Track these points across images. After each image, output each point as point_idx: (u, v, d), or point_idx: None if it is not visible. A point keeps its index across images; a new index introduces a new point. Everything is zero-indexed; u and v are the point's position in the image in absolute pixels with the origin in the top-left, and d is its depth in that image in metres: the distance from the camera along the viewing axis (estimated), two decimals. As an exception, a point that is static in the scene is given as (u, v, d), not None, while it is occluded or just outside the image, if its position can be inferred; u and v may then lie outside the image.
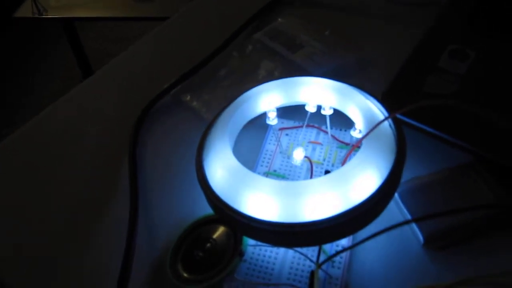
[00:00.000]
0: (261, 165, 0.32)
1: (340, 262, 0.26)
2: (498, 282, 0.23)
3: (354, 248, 0.27)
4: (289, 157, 0.32)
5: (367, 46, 0.41)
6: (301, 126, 0.34)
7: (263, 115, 0.31)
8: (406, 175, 0.26)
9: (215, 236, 0.28)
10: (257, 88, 0.31)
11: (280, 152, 0.33)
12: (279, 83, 0.31)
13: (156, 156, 0.36)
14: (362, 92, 0.29)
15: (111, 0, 1.05)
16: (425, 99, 0.23)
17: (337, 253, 0.25)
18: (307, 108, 0.31)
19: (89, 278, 0.29)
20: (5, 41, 1.65)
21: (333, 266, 0.26)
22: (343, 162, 0.29)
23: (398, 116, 0.27)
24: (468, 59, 0.35)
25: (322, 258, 0.25)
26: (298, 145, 0.33)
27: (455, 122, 0.30)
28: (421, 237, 0.27)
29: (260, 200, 0.23)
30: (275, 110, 0.31)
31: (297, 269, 0.26)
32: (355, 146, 0.28)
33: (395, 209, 0.29)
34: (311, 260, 0.26)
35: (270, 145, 0.33)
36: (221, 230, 0.28)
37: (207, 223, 0.29)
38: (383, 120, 0.25)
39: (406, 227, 0.28)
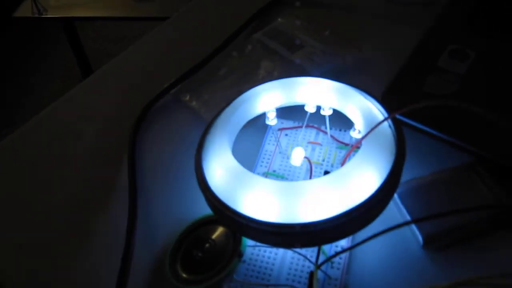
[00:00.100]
0: (261, 166, 0.32)
1: (339, 263, 0.26)
2: (498, 283, 0.23)
3: (354, 249, 0.27)
4: (289, 157, 0.32)
5: (367, 46, 0.41)
6: (301, 127, 0.34)
7: (263, 115, 0.31)
8: (406, 175, 0.26)
9: (214, 236, 0.28)
10: (257, 88, 0.30)
11: (280, 153, 0.33)
12: (278, 83, 0.31)
13: (155, 156, 0.36)
14: (362, 92, 0.29)
15: (111, 0, 1.05)
16: (425, 99, 0.23)
17: (337, 254, 0.25)
18: (306, 108, 0.31)
19: (88, 279, 0.29)
20: (5, 41, 1.65)
21: (332, 267, 0.26)
22: (342, 163, 0.29)
23: (398, 116, 0.26)
24: (468, 59, 0.35)
25: (321, 259, 0.25)
26: (297, 145, 0.33)
27: (455, 122, 0.30)
28: (420, 238, 0.27)
29: (259, 200, 0.23)
30: (275, 110, 0.31)
31: (296, 270, 0.26)
32: (355, 146, 0.28)
33: (395, 210, 0.29)
34: (310, 261, 0.26)
35: (269, 146, 0.33)
36: (220, 230, 0.28)
37: (206, 224, 0.29)
38: (382, 121, 0.25)
39: (405, 228, 0.28)
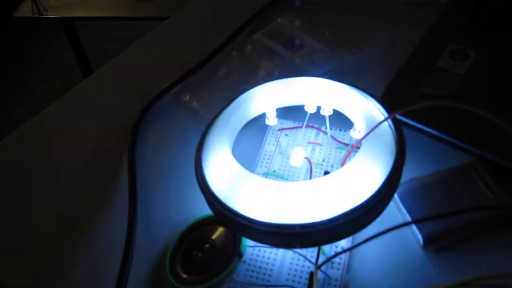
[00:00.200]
0: (260, 166, 0.32)
1: (339, 263, 0.26)
2: (498, 284, 0.23)
3: (354, 249, 0.27)
4: (288, 157, 0.32)
5: (367, 46, 0.41)
6: (301, 127, 0.34)
7: (263, 116, 0.31)
8: (406, 175, 0.26)
9: (214, 237, 0.28)
10: (257, 89, 0.30)
11: (280, 153, 0.33)
12: (278, 84, 0.31)
13: (155, 156, 0.36)
14: (362, 92, 0.29)
15: (111, 0, 1.05)
16: (425, 99, 0.23)
17: (337, 254, 0.25)
18: (306, 108, 0.31)
19: (88, 279, 0.29)
20: (4, 41, 1.65)
21: (332, 267, 0.26)
22: (342, 163, 0.29)
23: (398, 116, 0.26)
24: (468, 59, 0.35)
25: (321, 259, 0.25)
26: (297, 145, 0.33)
27: (455, 123, 0.30)
28: (420, 238, 0.27)
29: (259, 201, 0.23)
30: (275, 110, 0.31)
31: (296, 270, 0.26)
32: (355, 146, 0.28)
33: (395, 210, 0.29)
34: (310, 261, 0.26)
35: (269, 146, 0.33)
36: (220, 231, 0.28)
37: (206, 224, 0.29)
38: (382, 121, 0.25)
39: (405, 228, 0.28)
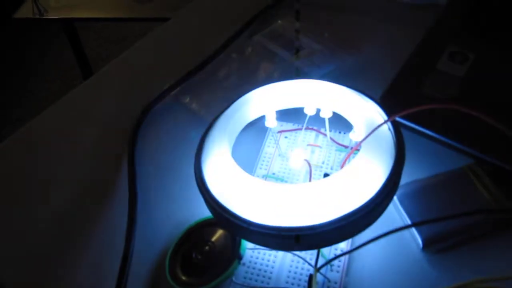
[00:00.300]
0: (260, 168, 0.32)
1: (338, 266, 0.26)
2: (497, 286, 0.23)
3: (353, 252, 0.27)
4: (288, 159, 0.32)
5: (367, 47, 0.41)
6: (300, 129, 0.34)
7: (262, 118, 0.31)
8: (405, 178, 0.26)
9: (213, 239, 0.28)
10: (256, 91, 0.30)
11: (279, 155, 0.33)
12: (278, 86, 0.31)
13: (155, 158, 0.36)
14: (361, 95, 0.29)
15: (111, 1, 1.05)
16: (424, 102, 0.23)
17: (336, 257, 0.25)
18: (306, 110, 0.31)
19: (87, 280, 0.29)
20: (4, 41, 1.65)
21: (331, 270, 0.26)
22: (342, 165, 0.29)
23: (397, 118, 0.26)
24: (467, 61, 0.35)
25: (320, 261, 0.25)
26: (297, 147, 0.33)
27: (455, 125, 0.30)
28: (420, 241, 0.27)
29: (259, 203, 0.23)
30: (274, 112, 0.31)
31: (295, 273, 0.26)
32: (354, 149, 0.28)
33: (394, 212, 0.29)
34: (309, 264, 0.26)
35: (269, 148, 0.33)
36: (219, 233, 0.28)
37: (206, 226, 0.29)
38: (382, 123, 0.25)
39: (405, 231, 0.28)
